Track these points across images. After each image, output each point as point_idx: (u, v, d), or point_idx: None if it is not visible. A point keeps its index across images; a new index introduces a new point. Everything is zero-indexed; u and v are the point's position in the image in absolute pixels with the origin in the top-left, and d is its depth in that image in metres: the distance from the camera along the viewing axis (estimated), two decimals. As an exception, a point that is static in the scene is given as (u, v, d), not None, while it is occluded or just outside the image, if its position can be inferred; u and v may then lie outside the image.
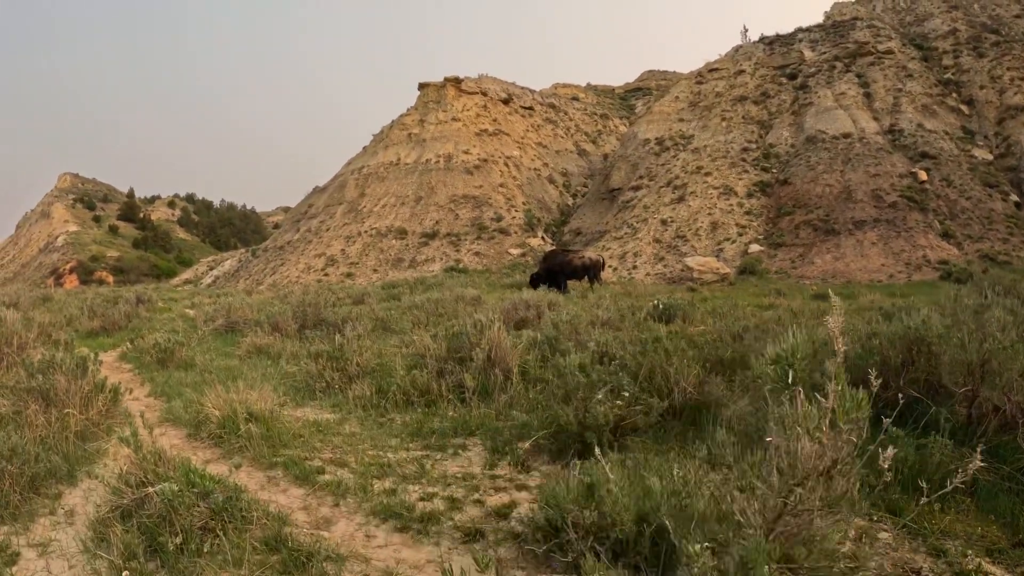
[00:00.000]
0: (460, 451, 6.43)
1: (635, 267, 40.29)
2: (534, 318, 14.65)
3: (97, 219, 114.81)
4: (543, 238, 51.17)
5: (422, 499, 5.15)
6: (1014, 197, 40.94)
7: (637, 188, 51.35)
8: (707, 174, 49.13)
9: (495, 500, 5.14)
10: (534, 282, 26.96)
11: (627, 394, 6.21)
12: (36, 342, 10.25)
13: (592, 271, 27.29)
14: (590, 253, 28.97)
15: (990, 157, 44.67)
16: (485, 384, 8.12)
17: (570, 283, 26.44)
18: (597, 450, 4.34)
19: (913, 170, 42.87)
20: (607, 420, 5.92)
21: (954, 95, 51.31)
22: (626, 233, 45.14)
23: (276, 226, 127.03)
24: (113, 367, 11.49)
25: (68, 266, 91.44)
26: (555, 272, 26.58)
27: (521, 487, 5.46)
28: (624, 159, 57.68)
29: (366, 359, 9.33)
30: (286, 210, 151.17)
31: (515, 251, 48.86)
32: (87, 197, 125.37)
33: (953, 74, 53.29)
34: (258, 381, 9.49)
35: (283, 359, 11.21)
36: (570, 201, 62.25)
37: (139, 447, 4.82)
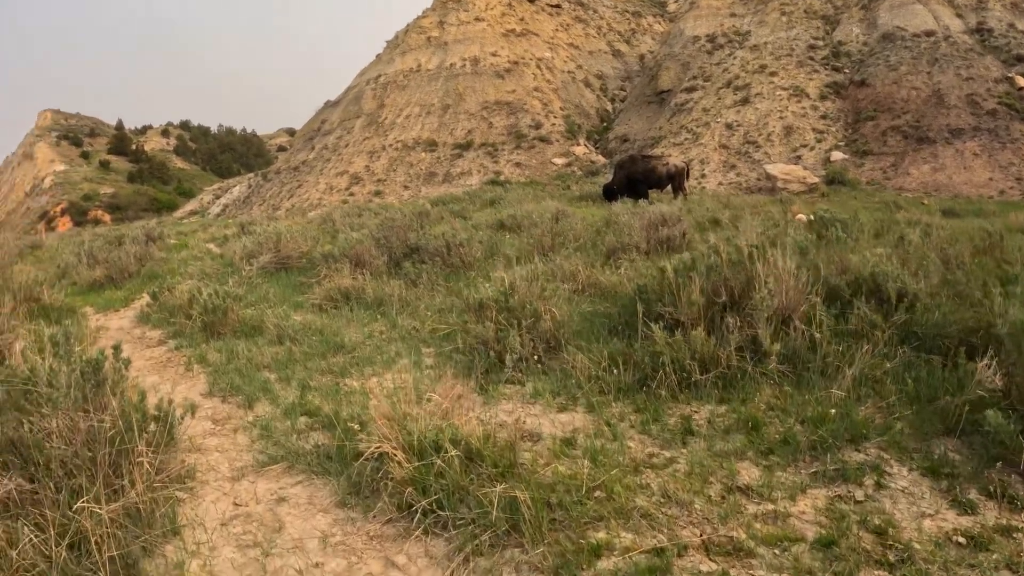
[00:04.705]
0: (883, 479, 3.69)
1: (704, 176, 36.49)
2: (678, 237, 11.30)
3: (86, 155, 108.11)
4: (586, 146, 47.07)
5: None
6: None
7: (692, 90, 46.89)
8: (772, 74, 44.57)
9: None
10: (609, 193, 23.58)
11: None
12: (14, 318, 6.73)
13: (677, 179, 23.67)
14: (674, 159, 25.20)
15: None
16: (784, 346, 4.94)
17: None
18: None
19: (1009, 75, 38.21)
20: None
21: (1048, -8, 45.89)
22: (686, 139, 41.08)
23: (281, 148, 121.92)
24: (135, 340, 8.09)
25: (59, 208, 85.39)
26: (636, 181, 23.05)
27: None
28: (672, 58, 52.90)
29: (558, 309, 5.97)
30: (290, 132, 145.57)
31: (559, 160, 44.89)
32: (72, 133, 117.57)
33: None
34: (383, 352, 6.26)
35: (391, 310, 7.89)
36: (608, 106, 57.63)
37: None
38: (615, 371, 4.91)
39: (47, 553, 3.15)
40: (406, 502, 3.42)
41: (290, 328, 7.38)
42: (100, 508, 3.30)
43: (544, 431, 4.27)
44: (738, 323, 5.20)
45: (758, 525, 3.23)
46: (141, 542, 3.38)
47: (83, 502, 3.30)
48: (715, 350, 4.94)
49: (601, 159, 44.52)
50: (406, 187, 45.20)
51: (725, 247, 6.16)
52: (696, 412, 4.51)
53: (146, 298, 10.01)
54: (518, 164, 45.39)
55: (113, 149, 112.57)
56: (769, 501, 3.45)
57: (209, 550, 3.44)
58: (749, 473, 3.73)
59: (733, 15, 53.81)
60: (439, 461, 3.42)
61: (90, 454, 3.64)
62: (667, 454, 3.97)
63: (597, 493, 3.43)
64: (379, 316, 7.79)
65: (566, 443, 4.07)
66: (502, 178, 42.41)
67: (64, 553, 3.14)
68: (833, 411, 4.19)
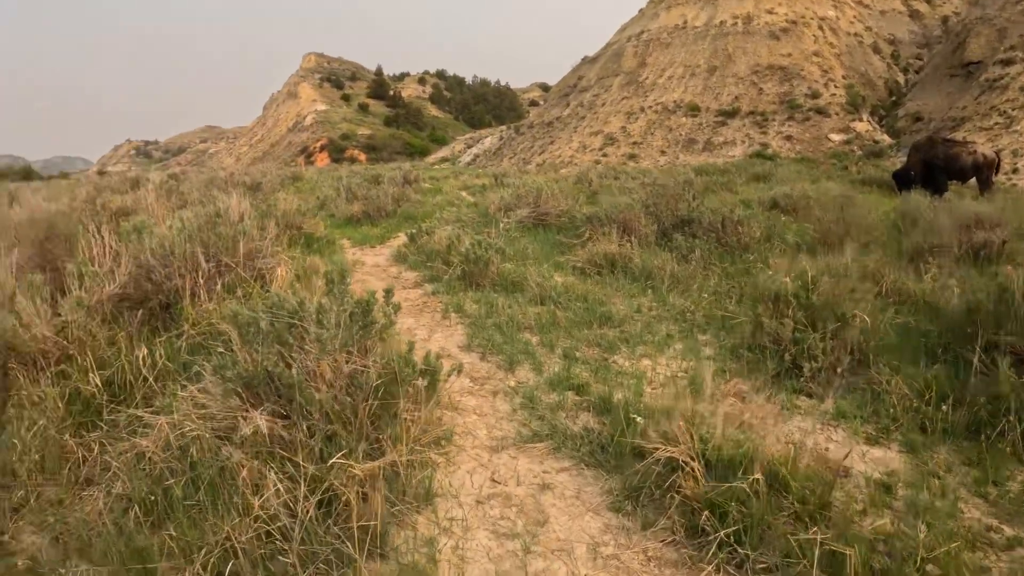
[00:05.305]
0: None
1: (1016, 171, 31.66)
2: (997, 245, 9.68)
3: (346, 97, 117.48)
4: (870, 122, 42.82)
5: None
6: None
7: (1008, 62, 40.64)
8: (1122, 46, 37.24)
9: None
10: (902, 180, 21.08)
11: None
12: (277, 243, 7.11)
13: (986, 172, 20.60)
14: (982, 147, 21.95)
15: None
16: None
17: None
18: None
19: None
20: None
21: None
22: (997, 123, 35.82)
23: (533, 103, 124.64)
24: (390, 279, 8.41)
25: (318, 144, 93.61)
26: (935, 168, 20.37)
27: None
28: (984, 22, 46.13)
29: (868, 316, 5.24)
30: (544, 87, 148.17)
31: (836, 137, 41.38)
32: (334, 76, 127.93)
33: None
34: (654, 332, 5.94)
35: (661, 285, 7.53)
36: (900, 77, 51.87)
37: None
38: (943, 407, 4.18)
39: (293, 508, 2.99)
40: (699, 526, 3.09)
41: (552, 289, 7.28)
42: (356, 466, 3.17)
43: (853, 466, 3.73)
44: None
45: None
46: (395, 510, 3.26)
47: (339, 457, 3.17)
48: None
49: (886, 139, 40.32)
50: (663, 152, 44.26)
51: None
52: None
53: (403, 238, 10.47)
54: (788, 137, 42.46)
55: (371, 93, 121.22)
56: None
57: (463, 530, 3.29)
58: None
59: (1075, -29, 45.55)
60: (744, 485, 3.04)
61: (350, 401, 3.55)
62: (1009, 531, 3.28)
63: (929, 567, 2.87)
64: (648, 290, 7.49)
65: (883, 488, 3.51)
66: (769, 151, 39.98)
67: (312, 511, 2.98)
68: None
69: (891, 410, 4.30)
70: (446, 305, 7.02)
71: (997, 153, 22.14)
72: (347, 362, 3.77)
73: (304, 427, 3.42)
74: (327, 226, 11.72)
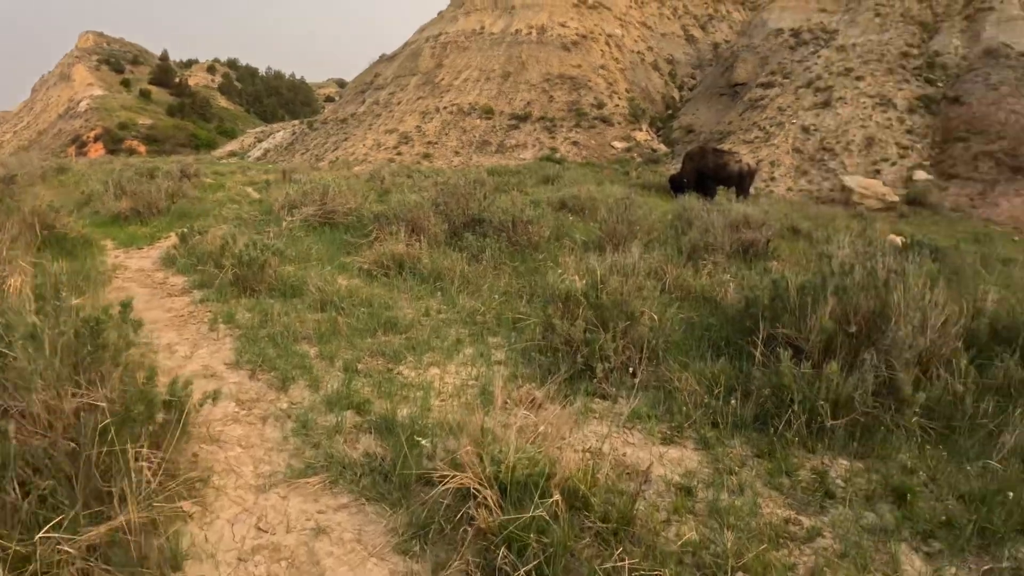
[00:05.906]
0: None
1: (772, 179, 35.22)
2: (762, 243, 10.48)
3: (126, 83, 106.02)
4: (648, 132, 45.92)
5: None
6: None
7: (768, 85, 45.37)
8: (858, 78, 42.85)
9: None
10: (676, 185, 22.76)
11: None
12: (16, 246, 5.91)
13: (748, 179, 22.71)
14: (747, 158, 24.14)
15: None
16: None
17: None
18: None
19: None
20: None
21: None
22: (757, 137, 39.72)
23: (329, 99, 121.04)
24: (155, 285, 7.51)
25: (93, 133, 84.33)
26: (705, 174, 22.14)
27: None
28: (750, 50, 51.28)
29: (655, 313, 5.18)
30: (340, 83, 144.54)
31: (619, 144, 43.85)
32: (114, 59, 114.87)
33: None
34: (443, 337, 5.59)
35: (450, 286, 7.19)
36: (676, 93, 56.30)
37: None
38: (732, 401, 4.16)
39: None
40: (497, 565, 2.68)
41: (335, 294, 6.70)
42: (70, 539, 2.46)
43: (652, 470, 3.54)
44: (873, 361, 4.43)
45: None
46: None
47: (51, 528, 2.45)
48: (850, 392, 4.18)
49: (663, 148, 43.47)
50: (457, 153, 44.51)
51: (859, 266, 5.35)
52: (830, 466, 3.77)
53: (173, 239, 9.51)
54: (575, 143, 44.42)
55: (155, 80, 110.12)
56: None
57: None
58: (911, 562, 3.03)
59: (823, 11, 51.86)
60: (542, 512, 2.69)
61: (73, 446, 2.82)
62: (807, 522, 3.25)
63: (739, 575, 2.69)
64: (437, 292, 7.12)
65: (684, 491, 3.35)
66: (558, 155, 41.56)
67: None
68: (1012, 495, 3.40)
69: (683, 407, 4.22)
70: (215, 315, 6.22)
71: (758, 163, 24.48)
72: (73, 396, 2.98)
73: (15, 487, 2.60)
74: (88, 225, 10.35)
